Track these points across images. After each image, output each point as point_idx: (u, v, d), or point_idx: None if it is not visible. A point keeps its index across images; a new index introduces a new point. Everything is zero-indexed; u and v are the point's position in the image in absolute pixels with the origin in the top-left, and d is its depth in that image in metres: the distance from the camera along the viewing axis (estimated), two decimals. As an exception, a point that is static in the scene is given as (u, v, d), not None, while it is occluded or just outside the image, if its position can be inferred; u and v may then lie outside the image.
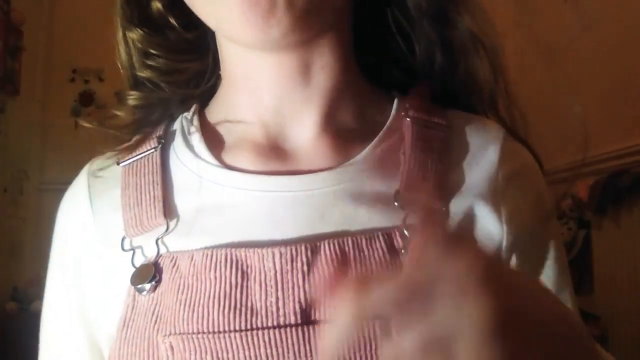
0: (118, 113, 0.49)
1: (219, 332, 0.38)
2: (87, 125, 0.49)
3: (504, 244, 0.43)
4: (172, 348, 0.38)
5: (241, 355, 0.38)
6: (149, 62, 0.48)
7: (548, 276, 0.45)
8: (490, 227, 0.43)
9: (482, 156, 0.44)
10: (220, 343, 0.37)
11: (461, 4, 0.46)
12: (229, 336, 0.37)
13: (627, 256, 1.84)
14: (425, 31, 0.47)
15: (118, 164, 0.46)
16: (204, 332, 0.38)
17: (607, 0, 2.08)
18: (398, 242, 0.40)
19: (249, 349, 0.37)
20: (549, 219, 0.48)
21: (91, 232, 0.45)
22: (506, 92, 0.48)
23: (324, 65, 0.43)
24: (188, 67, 0.49)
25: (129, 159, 0.46)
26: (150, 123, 0.49)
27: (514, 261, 0.43)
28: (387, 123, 0.45)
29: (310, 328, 0.37)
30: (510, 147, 0.46)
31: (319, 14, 0.39)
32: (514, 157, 0.45)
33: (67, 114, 2.83)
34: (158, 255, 0.42)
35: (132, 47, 0.48)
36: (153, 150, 0.46)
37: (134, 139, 0.48)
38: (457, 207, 0.43)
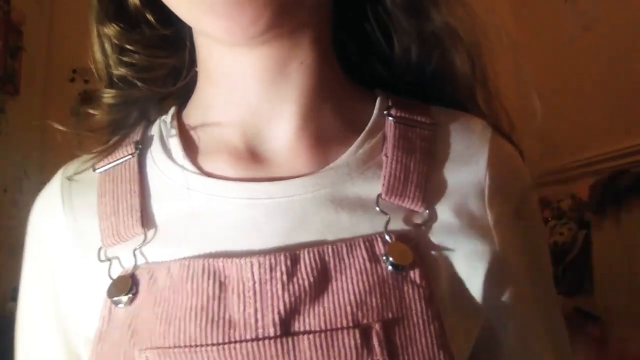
0: (93, 112, 0.47)
1: (196, 346, 0.37)
2: (60, 128, 0.48)
3: (492, 247, 0.42)
4: None
5: None
6: (125, 59, 0.47)
7: (529, 280, 0.45)
8: (477, 230, 0.42)
9: (469, 157, 0.43)
10: (197, 357, 0.36)
11: None
12: (206, 350, 0.36)
13: (627, 256, 1.84)
14: (402, 24, 0.46)
15: (94, 170, 0.45)
16: (180, 346, 0.37)
17: (607, 0, 2.07)
18: (380, 248, 0.39)
19: None
20: (533, 220, 0.47)
21: (66, 237, 0.44)
22: (486, 87, 0.47)
23: (303, 61, 0.42)
24: (164, 63, 0.48)
25: (105, 165, 0.45)
26: (126, 124, 0.48)
27: (500, 266, 0.42)
28: (369, 124, 0.44)
29: (290, 340, 0.36)
30: (498, 148, 0.45)
31: (297, 6, 0.38)
32: (502, 158, 0.44)
33: (67, 114, 2.82)
34: (135, 266, 0.41)
35: (108, 43, 0.47)
36: (130, 156, 0.45)
37: (112, 141, 0.46)
38: (442, 209, 0.42)
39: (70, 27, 2.94)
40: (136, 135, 0.47)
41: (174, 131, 0.45)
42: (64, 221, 0.45)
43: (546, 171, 2.52)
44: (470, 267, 0.41)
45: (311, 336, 0.36)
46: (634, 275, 1.82)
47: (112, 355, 0.39)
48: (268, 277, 0.38)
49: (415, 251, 0.39)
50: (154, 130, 0.47)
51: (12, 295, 2.54)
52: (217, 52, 0.43)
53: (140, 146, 0.45)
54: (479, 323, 0.42)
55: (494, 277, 0.42)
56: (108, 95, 0.47)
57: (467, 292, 0.41)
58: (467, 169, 0.43)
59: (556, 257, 2.14)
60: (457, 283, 0.41)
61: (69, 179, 0.46)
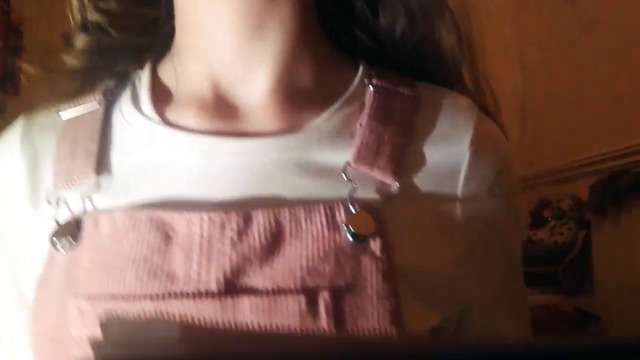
0: (65, 57, 0.46)
1: (132, 296, 0.36)
2: (30, 70, 0.47)
3: (461, 226, 0.41)
4: (81, 312, 0.36)
5: None
6: (101, 5, 0.45)
7: (496, 271, 0.44)
8: (448, 208, 0.41)
9: (452, 135, 0.42)
10: (131, 309, 0.35)
11: None
12: (142, 302, 0.35)
13: (627, 256, 1.84)
14: None
15: (59, 115, 0.44)
16: (116, 296, 0.36)
17: (607, 0, 2.07)
18: (341, 216, 0.38)
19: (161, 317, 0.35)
20: (506, 200, 0.45)
21: (20, 180, 0.43)
22: (474, 65, 0.46)
23: (283, 20, 0.41)
24: (140, 13, 0.46)
25: (71, 110, 0.44)
26: (98, 74, 0.46)
27: (468, 244, 0.41)
28: (348, 91, 0.43)
29: (230, 298, 0.35)
30: (483, 129, 0.43)
31: None
32: (485, 139, 0.43)
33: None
34: (82, 212, 0.40)
35: None
36: (97, 105, 0.44)
37: (82, 90, 0.45)
38: (415, 184, 0.40)
39: (71, 27, 2.94)
40: (109, 87, 0.45)
41: (145, 83, 0.44)
42: (21, 163, 0.43)
43: (546, 171, 2.51)
44: (438, 244, 0.40)
45: (253, 297, 0.35)
46: (634, 274, 1.82)
47: (50, 303, 0.38)
48: (217, 234, 0.37)
49: (379, 222, 0.38)
50: (129, 84, 0.45)
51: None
52: (195, 5, 0.41)
53: (110, 97, 0.44)
54: (444, 303, 0.41)
55: (462, 255, 0.41)
56: (81, 40, 0.46)
57: (433, 269, 0.40)
58: (448, 146, 0.42)
59: (556, 257, 2.14)
60: (423, 259, 0.40)
61: (33, 123, 0.45)
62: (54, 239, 0.39)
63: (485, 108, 0.45)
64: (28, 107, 0.47)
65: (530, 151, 2.58)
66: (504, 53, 0.47)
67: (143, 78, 0.45)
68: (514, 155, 0.46)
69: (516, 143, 0.47)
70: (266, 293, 0.35)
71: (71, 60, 0.46)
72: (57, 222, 0.40)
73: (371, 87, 0.43)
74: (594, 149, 2.09)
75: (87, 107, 0.44)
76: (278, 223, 0.37)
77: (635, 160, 1.88)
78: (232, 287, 0.36)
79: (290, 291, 0.35)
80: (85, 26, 0.46)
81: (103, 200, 0.40)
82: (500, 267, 0.45)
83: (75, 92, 0.46)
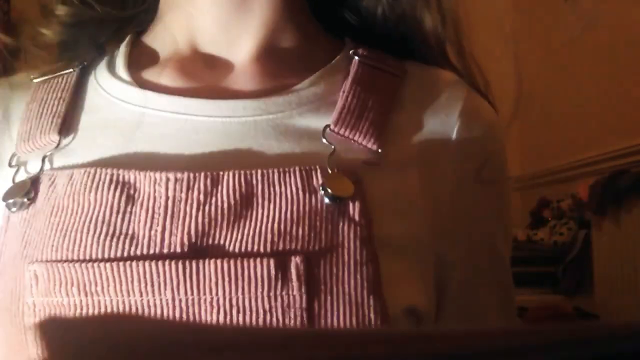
0: (44, 31, 0.45)
1: (90, 260, 0.33)
2: (7, 41, 0.45)
3: (445, 198, 0.40)
4: (36, 277, 0.34)
5: (111, 289, 0.33)
6: None
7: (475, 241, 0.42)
8: (434, 179, 0.39)
9: (441, 107, 0.41)
10: (89, 273, 0.33)
11: None
12: (100, 266, 0.33)
13: (627, 256, 1.84)
14: None
15: (32, 79, 0.43)
16: (72, 261, 0.34)
17: (607, 0, 2.08)
18: (318, 179, 0.36)
19: (120, 282, 0.33)
20: (494, 185, 0.43)
21: None
22: (459, 43, 0.45)
23: None
24: None
25: (44, 75, 0.43)
26: (78, 48, 0.45)
27: (452, 216, 0.40)
28: (333, 61, 0.42)
29: (195, 262, 0.33)
30: (472, 103, 0.42)
31: None
32: (475, 113, 0.42)
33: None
34: (39, 172, 0.38)
35: None
36: (71, 70, 0.42)
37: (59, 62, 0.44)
38: (398, 152, 0.39)
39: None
40: (86, 56, 0.44)
41: (124, 51, 0.43)
42: None
43: (546, 171, 2.52)
44: (422, 213, 0.39)
45: (219, 261, 0.33)
46: (633, 274, 1.82)
47: (5, 269, 0.36)
48: (183, 195, 0.35)
49: (358, 187, 0.36)
50: (108, 53, 0.44)
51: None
52: None
53: (85, 63, 0.43)
54: (425, 275, 0.39)
55: (445, 226, 0.39)
56: (61, 13, 0.44)
57: (415, 239, 0.38)
58: (436, 118, 0.40)
59: (556, 257, 2.14)
60: (404, 228, 0.38)
61: (5, 84, 0.44)
62: (8, 199, 0.37)
63: (476, 86, 0.44)
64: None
65: (530, 151, 2.58)
66: (500, 43, 0.46)
67: (122, 47, 0.44)
68: (505, 133, 0.44)
69: (507, 124, 0.46)
70: (233, 256, 0.33)
71: (52, 35, 0.45)
72: (14, 182, 0.38)
73: (356, 57, 0.41)
74: (594, 149, 2.09)
75: (61, 72, 0.43)
76: (248, 184, 0.35)
77: (635, 160, 1.88)
78: (197, 251, 0.34)
79: (260, 255, 0.33)
80: (66, 1, 0.44)
81: (64, 161, 0.39)
82: (487, 241, 0.43)
83: (53, 62, 0.45)
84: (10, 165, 0.39)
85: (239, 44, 0.41)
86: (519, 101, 0.46)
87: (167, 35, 0.42)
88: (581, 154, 2.17)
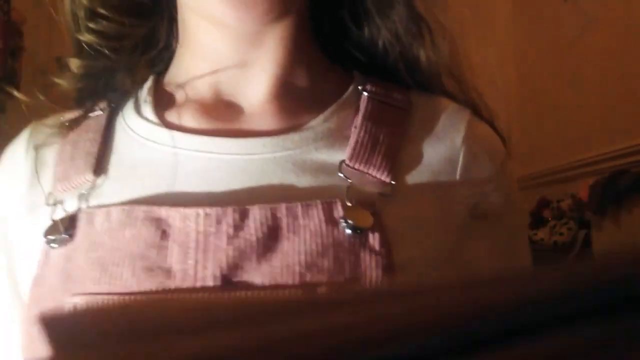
0: (59, 82, 0.47)
1: (129, 293, 0.35)
2: (22, 98, 0.47)
3: (460, 223, 0.41)
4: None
5: None
6: (94, 26, 0.45)
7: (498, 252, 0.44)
8: (447, 205, 0.41)
9: (445, 134, 0.43)
10: (127, 306, 0.33)
11: None
12: (138, 299, 0.34)
13: (627, 256, 1.84)
14: (373, 17, 0.46)
15: (64, 122, 0.45)
16: (112, 294, 0.36)
17: (607, 0, 2.08)
18: (338, 211, 0.37)
19: None
20: (509, 206, 0.45)
21: (22, 183, 0.44)
22: (458, 78, 0.47)
23: (281, 37, 0.42)
24: (134, 32, 0.46)
25: (75, 118, 0.45)
26: (94, 93, 0.47)
27: (467, 242, 0.42)
28: (343, 96, 0.44)
29: (227, 295, 0.35)
30: (475, 128, 0.44)
31: None
32: (479, 138, 0.44)
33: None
34: (77, 210, 0.40)
35: (78, 5, 0.45)
36: (100, 111, 0.45)
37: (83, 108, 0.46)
38: (411, 182, 0.41)
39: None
40: (114, 98, 0.46)
41: (147, 91, 0.45)
42: (23, 165, 0.44)
43: (546, 171, 2.52)
44: (437, 239, 0.40)
45: (250, 293, 0.35)
46: (634, 275, 1.82)
47: (47, 300, 0.38)
48: (213, 229, 0.36)
49: (376, 218, 0.38)
50: (132, 95, 0.46)
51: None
52: (203, 27, 0.43)
53: (113, 105, 0.45)
54: None
55: (460, 251, 0.41)
56: (75, 65, 0.46)
57: (432, 265, 0.40)
58: (442, 145, 0.43)
59: (556, 257, 2.14)
60: (422, 252, 0.40)
61: (37, 129, 0.46)
62: (49, 235, 0.39)
63: (479, 112, 0.46)
64: (28, 107, 0.47)
65: (530, 151, 2.58)
66: (499, 52, 0.47)
67: (146, 88, 0.46)
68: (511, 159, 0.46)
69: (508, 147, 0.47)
70: (263, 289, 0.35)
71: (67, 85, 0.47)
72: (53, 221, 0.40)
73: (365, 93, 0.44)
74: (594, 149, 2.09)
75: (91, 113, 0.45)
76: (275, 218, 0.37)
77: (635, 160, 1.88)
78: (229, 283, 0.35)
79: (289, 287, 0.35)
80: (79, 49, 0.46)
81: (99, 200, 0.41)
82: (505, 255, 0.45)
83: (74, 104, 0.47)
84: (47, 204, 0.41)
85: (255, 83, 0.43)
86: (511, 149, 0.47)
87: (186, 77, 0.44)
88: (581, 154, 2.17)
